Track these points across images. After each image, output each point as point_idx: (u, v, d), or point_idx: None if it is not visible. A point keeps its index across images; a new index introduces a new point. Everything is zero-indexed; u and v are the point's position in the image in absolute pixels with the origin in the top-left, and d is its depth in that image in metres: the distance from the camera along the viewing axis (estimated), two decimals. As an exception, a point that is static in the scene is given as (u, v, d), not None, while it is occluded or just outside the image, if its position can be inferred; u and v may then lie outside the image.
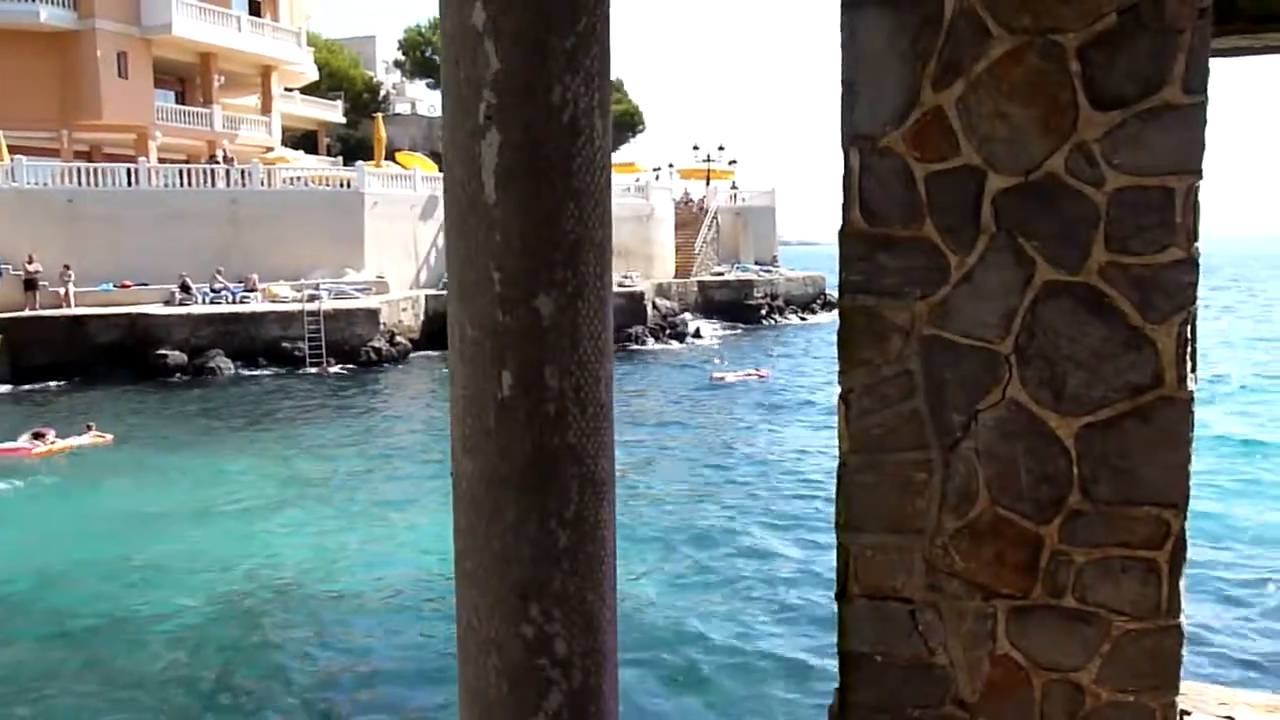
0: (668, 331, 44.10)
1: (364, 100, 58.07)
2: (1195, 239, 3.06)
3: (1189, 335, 3.10)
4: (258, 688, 11.13)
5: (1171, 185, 3.03)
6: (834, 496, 3.52)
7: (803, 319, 52.96)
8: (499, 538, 1.15)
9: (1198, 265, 3.08)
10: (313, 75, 53.55)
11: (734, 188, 60.93)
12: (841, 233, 3.39)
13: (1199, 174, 3.03)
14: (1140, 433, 3.13)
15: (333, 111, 56.86)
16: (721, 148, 61.57)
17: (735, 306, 50.69)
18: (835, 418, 3.55)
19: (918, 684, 3.45)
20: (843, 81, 3.33)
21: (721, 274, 53.30)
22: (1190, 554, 3.26)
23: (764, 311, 51.61)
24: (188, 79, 48.30)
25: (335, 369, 32.64)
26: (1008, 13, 3.12)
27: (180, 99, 48.09)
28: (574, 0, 1.10)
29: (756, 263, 57.25)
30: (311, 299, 33.76)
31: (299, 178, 39.22)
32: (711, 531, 17.05)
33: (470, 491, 1.16)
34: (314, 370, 32.52)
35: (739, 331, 47.99)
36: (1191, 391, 3.12)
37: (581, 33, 1.12)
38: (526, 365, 1.12)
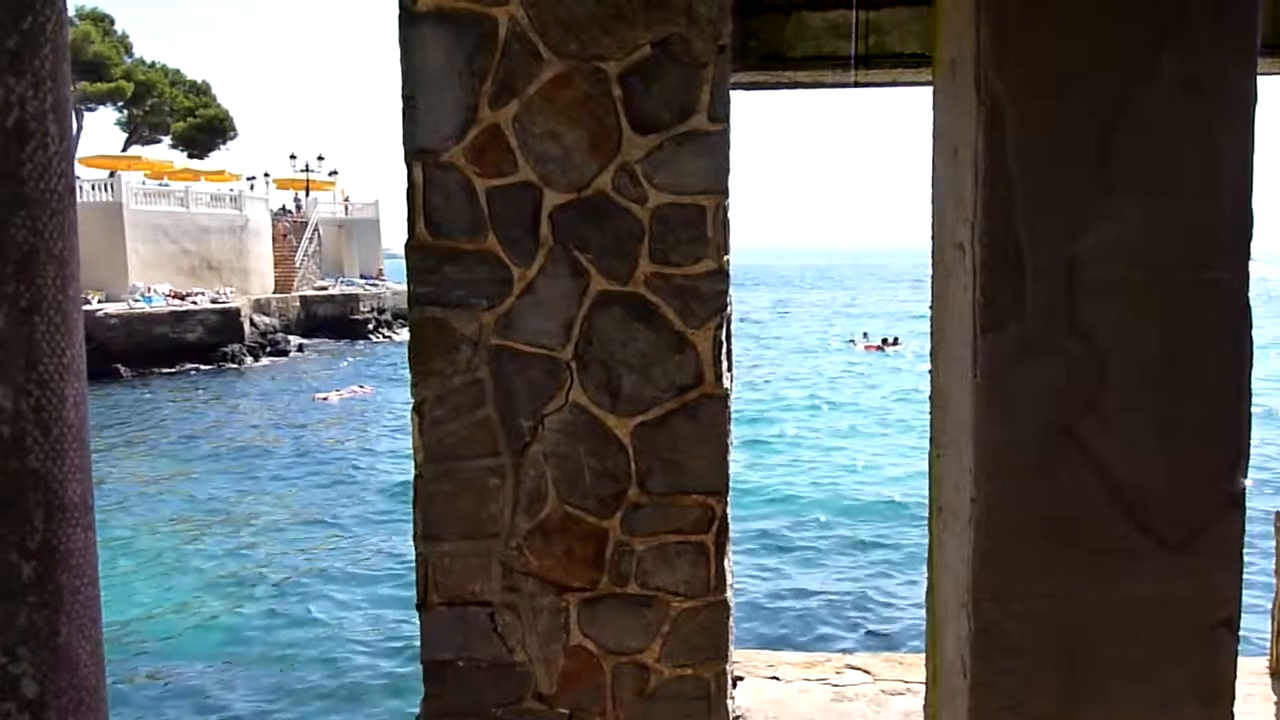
0: (268, 349, 41.93)
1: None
2: (726, 252, 3.41)
3: (724, 338, 3.45)
4: None
5: (703, 204, 3.36)
6: (411, 508, 3.54)
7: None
8: (-52, 576, 1.05)
9: (728, 275, 3.43)
10: None
11: (346, 199, 59.13)
12: (408, 246, 3.42)
13: (726, 194, 3.38)
14: (686, 428, 3.43)
15: None
16: (321, 157, 59.64)
17: (340, 321, 49.14)
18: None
19: (499, 684, 3.55)
20: (404, 96, 3.37)
21: (325, 288, 51.50)
22: (736, 531, 3.63)
23: (371, 326, 50.51)
24: None
25: None
26: (556, 38, 3.31)
27: None
28: (16, -2, 1.04)
29: (362, 276, 55.93)
30: None
31: None
32: (295, 550, 16.51)
33: (-87, 528, 1.05)
34: None
35: (345, 347, 46.62)
36: (727, 389, 3.47)
37: (27, 33, 1.05)
38: (-27, 386, 1.04)
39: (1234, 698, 2.06)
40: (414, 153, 3.37)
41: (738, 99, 3.48)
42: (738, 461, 3.59)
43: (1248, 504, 2.03)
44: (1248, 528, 2.04)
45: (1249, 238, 2.04)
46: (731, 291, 3.47)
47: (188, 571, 15.63)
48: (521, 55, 3.32)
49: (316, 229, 52.45)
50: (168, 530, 17.76)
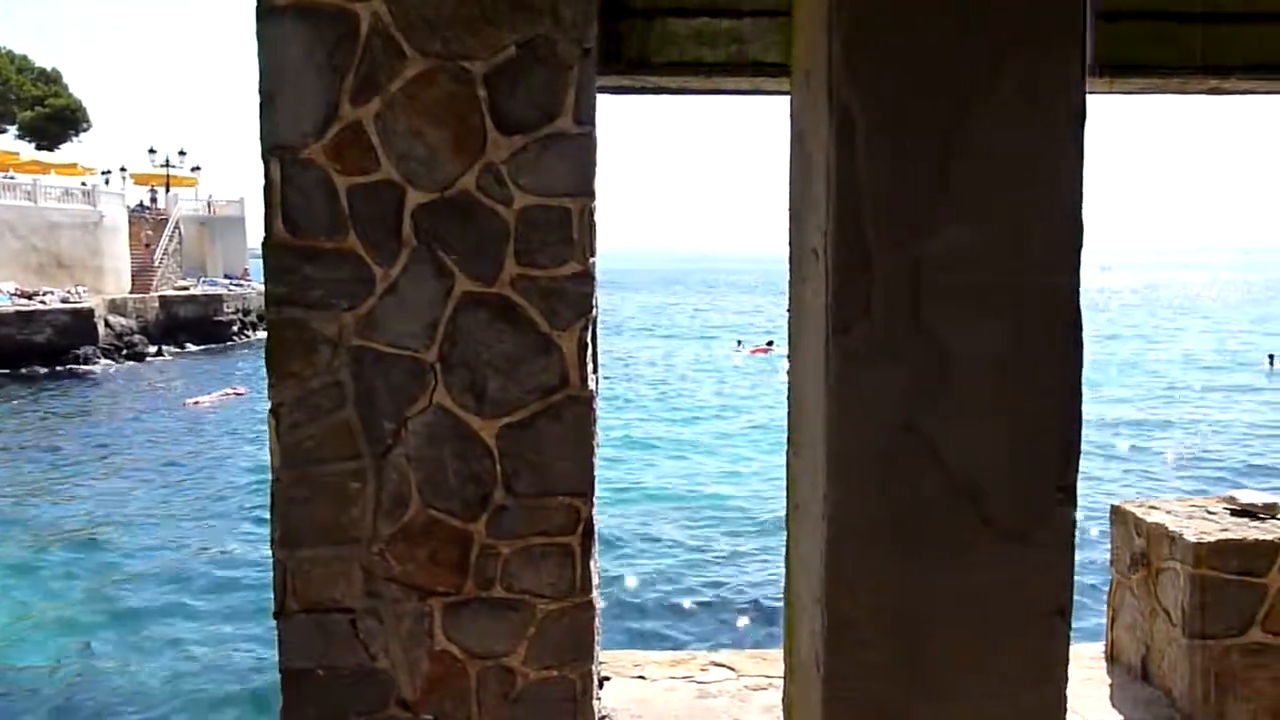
0: (124, 351, 40.12)
1: None
2: (591, 254, 3.42)
3: (589, 340, 3.46)
4: None
5: (569, 206, 3.36)
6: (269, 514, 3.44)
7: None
8: None
9: (594, 278, 3.44)
10: None
11: (210, 197, 57.00)
12: (265, 244, 3.33)
13: (592, 196, 3.39)
14: (552, 430, 3.43)
15: None
16: (183, 152, 57.48)
17: (204, 323, 47.27)
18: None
19: (361, 691, 3.48)
20: (261, 91, 3.28)
21: (186, 288, 49.52)
22: (604, 532, 3.65)
23: (236, 328, 48.79)
24: None
25: None
26: (419, 36, 3.27)
27: None
28: None
29: (226, 276, 54.02)
30: None
31: None
32: (155, 560, 15.93)
33: None
34: None
35: (209, 350, 44.93)
36: (593, 390, 3.48)
37: None
38: None
39: (1067, 681, 2.17)
40: (272, 149, 3.28)
41: (604, 103, 3.49)
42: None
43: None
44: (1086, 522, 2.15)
45: (1080, 245, 2.15)
46: (597, 293, 3.48)
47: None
48: (384, 52, 3.27)
49: (177, 226, 50.47)
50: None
